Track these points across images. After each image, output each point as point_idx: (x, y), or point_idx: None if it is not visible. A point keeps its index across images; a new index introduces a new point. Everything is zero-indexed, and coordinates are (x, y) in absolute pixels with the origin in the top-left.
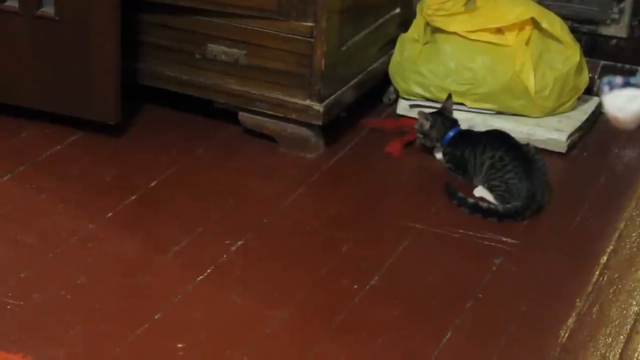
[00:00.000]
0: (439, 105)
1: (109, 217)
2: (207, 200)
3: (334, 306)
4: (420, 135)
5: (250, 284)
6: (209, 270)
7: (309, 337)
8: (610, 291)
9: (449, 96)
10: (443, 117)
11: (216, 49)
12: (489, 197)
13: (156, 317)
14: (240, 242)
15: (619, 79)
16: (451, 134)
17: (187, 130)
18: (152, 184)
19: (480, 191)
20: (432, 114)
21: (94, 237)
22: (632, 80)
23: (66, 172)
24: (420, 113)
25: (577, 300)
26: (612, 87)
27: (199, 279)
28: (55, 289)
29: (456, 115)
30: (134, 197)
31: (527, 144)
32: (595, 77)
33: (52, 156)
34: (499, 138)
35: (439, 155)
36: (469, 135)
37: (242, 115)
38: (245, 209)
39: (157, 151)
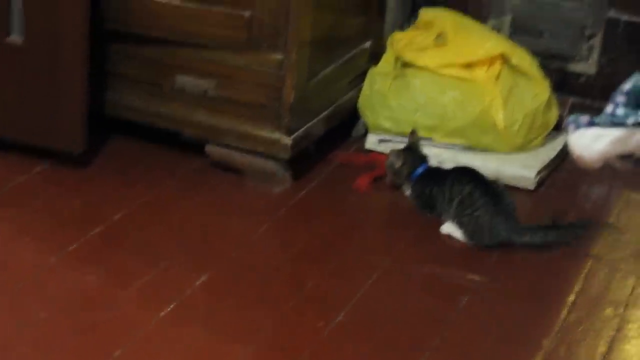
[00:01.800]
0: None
1: (72, 249)
2: (172, 233)
3: (299, 343)
4: (391, 173)
5: (214, 320)
6: (172, 306)
7: None
8: (578, 330)
9: (413, 131)
10: (413, 153)
11: (185, 80)
12: (458, 234)
13: (116, 354)
14: (204, 277)
15: (584, 118)
16: (420, 170)
17: (153, 162)
18: (117, 217)
19: (448, 228)
20: (403, 150)
21: (55, 271)
22: (597, 119)
23: (30, 203)
24: (391, 152)
25: (544, 340)
26: (577, 126)
27: (161, 314)
28: (14, 324)
29: (425, 150)
30: (98, 230)
31: (496, 180)
32: (564, 113)
33: (17, 187)
34: (467, 174)
35: (408, 192)
36: (437, 172)
37: (210, 148)
38: (211, 243)
39: (123, 183)
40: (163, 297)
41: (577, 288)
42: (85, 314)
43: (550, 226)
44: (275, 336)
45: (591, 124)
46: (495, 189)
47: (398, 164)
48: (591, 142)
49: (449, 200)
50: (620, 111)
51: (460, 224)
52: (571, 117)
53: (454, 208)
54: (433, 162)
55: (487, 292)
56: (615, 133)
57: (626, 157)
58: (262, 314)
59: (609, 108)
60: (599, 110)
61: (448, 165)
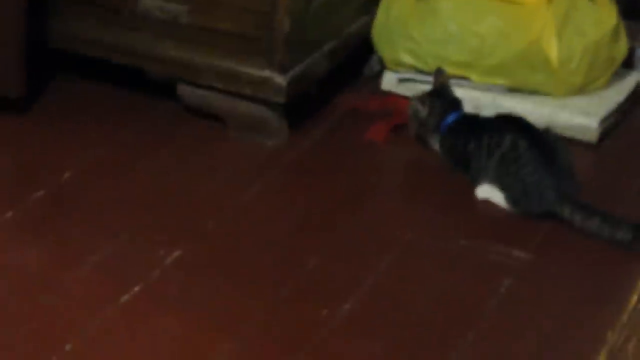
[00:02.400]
0: None
1: (7, 219)
2: (135, 199)
3: (296, 338)
4: (415, 124)
5: (190, 308)
6: (136, 289)
7: None
8: None
9: (439, 71)
10: (442, 97)
11: (149, 2)
12: (498, 198)
13: (67, 348)
14: (177, 254)
15: None
16: (451, 119)
17: (111, 108)
18: (65, 177)
19: (485, 191)
20: (428, 95)
21: None
22: None
23: None
24: (414, 97)
25: (609, 333)
26: None
27: (123, 299)
28: None
29: (458, 93)
30: (40, 193)
31: (547, 129)
32: (636, 46)
33: None
34: (511, 122)
35: (436, 146)
36: (473, 121)
37: (182, 89)
38: (185, 211)
39: (73, 135)
40: (125, 279)
41: None
42: (25, 300)
43: (602, 213)
44: (266, 328)
45: None
46: (547, 140)
47: (423, 111)
48: None
49: (487, 155)
50: None
51: (502, 186)
52: None
53: (494, 165)
54: (468, 108)
55: (535, 273)
56: None
57: None
58: (250, 301)
59: None
60: None
61: (487, 112)
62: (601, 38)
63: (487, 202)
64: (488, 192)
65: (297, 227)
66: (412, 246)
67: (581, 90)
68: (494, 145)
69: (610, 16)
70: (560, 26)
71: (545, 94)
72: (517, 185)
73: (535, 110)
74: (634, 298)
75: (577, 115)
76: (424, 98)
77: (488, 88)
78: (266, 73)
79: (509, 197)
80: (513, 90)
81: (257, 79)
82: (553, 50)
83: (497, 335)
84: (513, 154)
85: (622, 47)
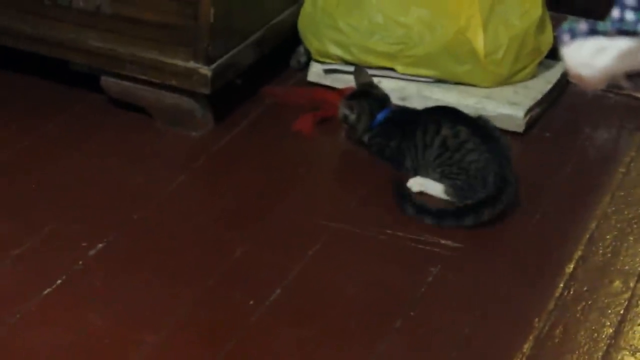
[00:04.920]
0: None
1: None
2: (58, 190)
3: (223, 328)
4: (346, 128)
5: (114, 300)
6: (59, 281)
7: None
8: (578, 309)
9: (358, 69)
10: (369, 98)
11: None
12: (435, 189)
13: None
14: (101, 245)
15: (582, 26)
16: (380, 117)
17: (32, 100)
18: None
19: (418, 182)
20: (354, 96)
21: None
22: (600, 26)
23: None
24: (342, 102)
25: (536, 320)
26: (574, 35)
27: (45, 292)
28: None
29: (384, 84)
30: None
31: (480, 116)
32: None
33: None
34: (445, 112)
35: (368, 144)
36: (405, 118)
37: (106, 81)
38: (109, 203)
39: None
40: (46, 271)
41: (577, 255)
42: None
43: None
44: (192, 319)
45: (592, 32)
46: (484, 126)
47: (352, 116)
48: (592, 56)
49: (423, 148)
50: (630, 16)
51: (444, 176)
52: (566, 25)
53: (433, 158)
54: (394, 99)
55: (463, 262)
56: (622, 44)
57: (637, 75)
58: (176, 291)
59: (615, 12)
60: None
61: (414, 103)
62: (527, 29)
63: (416, 193)
64: (422, 184)
65: (224, 217)
66: (339, 235)
67: (507, 80)
68: (431, 137)
69: (535, 7)
70: (486, 17)
71: (472, 84)
72: (461, 174)
73: (461, 101)
74: (561, 285)
75: (504, 106)
76: (351, 103)
77: (414, 79)
78: (191, 64)
79: (452, 187)
80: (439, 81)
81: (182, 70)
82: (479, 41)
83: (424, 324)
84: (454, 143)
85: (547, 38)
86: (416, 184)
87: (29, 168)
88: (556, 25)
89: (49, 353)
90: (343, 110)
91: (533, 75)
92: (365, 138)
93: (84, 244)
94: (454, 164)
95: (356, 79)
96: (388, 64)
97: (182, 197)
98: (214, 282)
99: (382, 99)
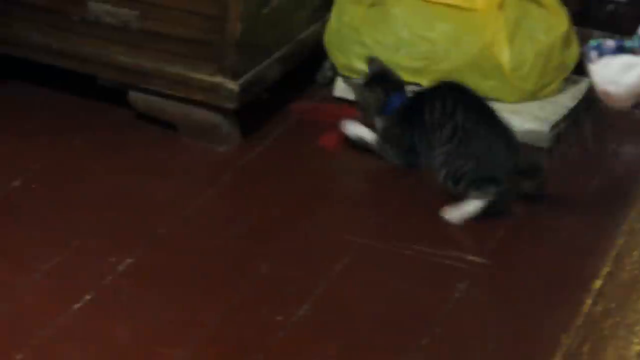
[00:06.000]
0: None
1: None
2: (85, 205)
3: (251, 344)
4: (359, 108)
5: (142, 315)
6: (87, 297)
7: None
8: (606, 325)
9: (372, 58)
10: (383, 80)
11: (99, 8)
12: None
13: (18, 358)
14: (129, 260)
15: (610, 43)
16: (395, 104)
17: (61, 115)
18: (15, 184)
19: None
20: (369, 79)
21: None
22: (627, 44)
23: None
24: (347, 81)
25: (563, 336)
26: (601, 52)
27: (74, 307)
28: None
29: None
30: None
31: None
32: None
33: None
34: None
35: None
36: (417, 103)
37: (133, 96)
38: (137, 218)
39: (22, 141)
40: (76, 286)
41: (605, 271)
42: None
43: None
44: (219, 335)
45: (620, 49)
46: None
47: (364, 95)
48: (619, 73)
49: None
50: None
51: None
52: (593, 41)
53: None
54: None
55: (491, 278)
56: None
57: None
58: (204, 306)
59: None
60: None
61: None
62: (552, 44)
63: (440, 209)
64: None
65: (249, 232)
66: (365, 251)
67: (533, 96)
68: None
69: (561, 22)
70: (512, 32)
71: (497, 99)
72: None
73: None
74: (588, 301)
75: (529, 121)
76: (362, 83)
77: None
78: (218, 79)
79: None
80: None
81: (208, 85)
82: (505, 57)
83: (451, 340)
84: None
85: (573, 53)
86: (455, 212)
87: (57, 183)
88: (582, 40)
89: None
90: (355, 90)
91: (559, 91)
92: (380, 122)
93: (112, 259)
94: (461, 157)
95: (370, 68)
96: (414, 79)
97: (208, 212)
98: (241, 297)
99: (397, 82)
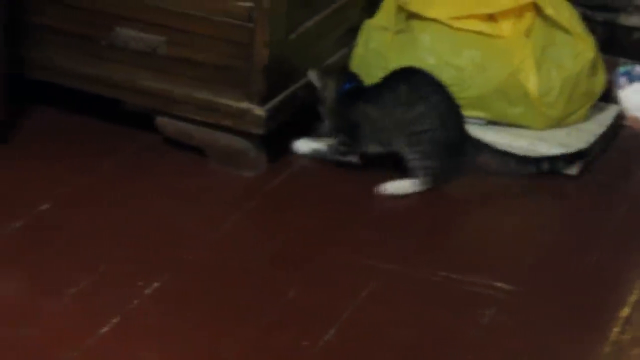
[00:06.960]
0: None
1: None
2: (113, 229)
3: None
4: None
5: (170, 339)
6: (114, 320)
7: None
8: (633, 353)
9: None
10: (338, 72)
11: (127, 34)
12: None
13: None
14: (156, 285)
15: (639, 69)
16: (348, 86)
17: (89, 139)
18: (43, 207)
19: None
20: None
21: None
22: None
23: None
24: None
25: None
26: (631, 78)
27: (102, 331)
28: None
29: None
30: (18, 224)
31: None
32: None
33: None
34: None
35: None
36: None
37: (161, 121)
38: (164, 242)
39: (50, 165)
40: (103, 310)
41: (632, 299)
42: (3, 332)
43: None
44: (247, 359)
45: None
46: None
47: (318, 84)
48: None
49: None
50: None
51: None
52: (622, 68)
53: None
54: None
55: (518, 305)
56: None
57: None
58: (229, 331)
59: None
60: None
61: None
62: (579, 71)
63: (466, 234)
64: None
65: (276, 257)
66: (391, 277)
67: (560, 122)
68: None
69: (588, 49)
70: (539, 59)
71: (524, 126)
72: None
73: (513, 143)
74: (616, 329)
75: (557, 148)
76: (318, 72)
77: (467, 121)
78: (245, 105)
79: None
80: (491, 122)
81: (235, 111)
82: (532, 83)
83: None
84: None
85: (600, 80)
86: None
87: (84, 207)
88: (609, 68)
89: None
90: (310, 79)
91: (586, 118)
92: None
93: (139, 283)
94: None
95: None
96: None
97: (235, 237)
98: (268, 322)
99: (351, 73)
